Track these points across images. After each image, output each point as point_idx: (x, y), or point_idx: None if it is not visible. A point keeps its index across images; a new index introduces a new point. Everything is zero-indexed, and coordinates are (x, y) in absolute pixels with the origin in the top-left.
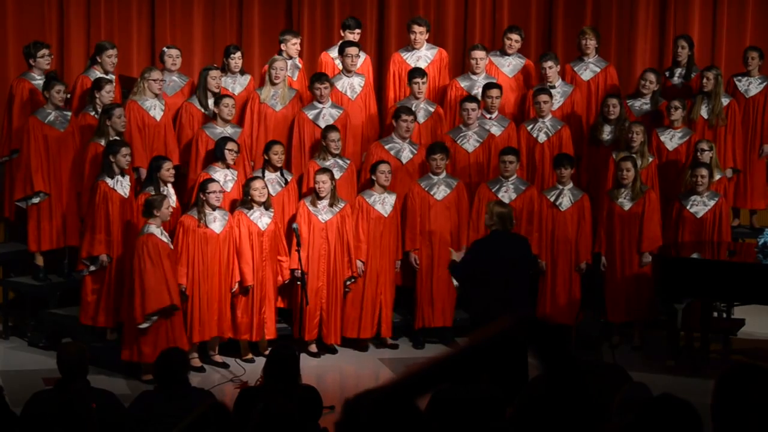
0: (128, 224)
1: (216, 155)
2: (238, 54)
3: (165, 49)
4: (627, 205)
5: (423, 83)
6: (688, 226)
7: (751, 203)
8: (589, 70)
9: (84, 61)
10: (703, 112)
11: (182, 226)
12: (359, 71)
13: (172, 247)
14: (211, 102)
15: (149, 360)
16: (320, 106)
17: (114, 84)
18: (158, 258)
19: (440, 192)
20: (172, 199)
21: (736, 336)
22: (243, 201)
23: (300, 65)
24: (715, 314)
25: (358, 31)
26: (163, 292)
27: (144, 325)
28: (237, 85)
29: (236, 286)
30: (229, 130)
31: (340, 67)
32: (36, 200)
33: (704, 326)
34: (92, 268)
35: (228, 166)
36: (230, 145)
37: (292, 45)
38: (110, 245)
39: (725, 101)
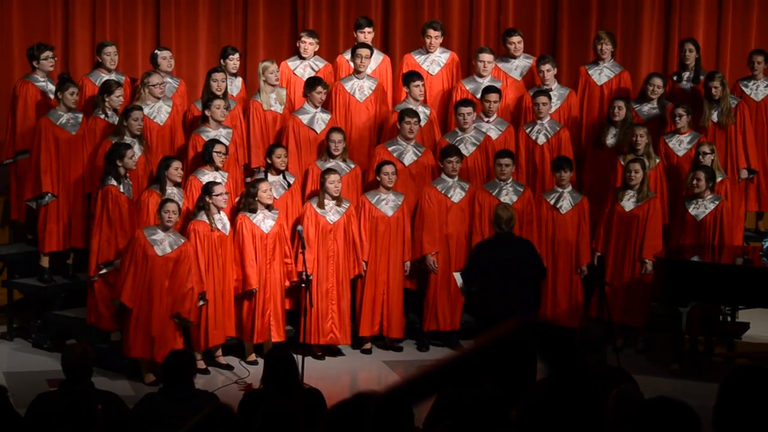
0: (134, 226)
1: (204, 158)
2: (236, 56)
3: (157, 51)
4: (629, 207)
5: (423, 86)
6: (688, 228)
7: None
8: (603, 74)
9: (89, 62)
10: (713, 117)
11: (196, 232)
12: (374, 73)
13: (158, 254)
14: None
15: (126, 354)
16: (313, 110)
17: (123, 86)
18: (131, 254)
19: (456, 195)
20: (180, 202)
21: (741, 339)
22: (245, 204)
23: (319, 68)
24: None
25: (368, 30)
26: (119, 287)
27: (92, 277)
28: (234, 87)
29: (236, 284)
30: (222, 132)
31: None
32: (45, 201)
33: (708, 329)
34: (104, 270)
35: (217, 169)
36: (218, 148)
37: (302, 44)
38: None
39: (734, 102)
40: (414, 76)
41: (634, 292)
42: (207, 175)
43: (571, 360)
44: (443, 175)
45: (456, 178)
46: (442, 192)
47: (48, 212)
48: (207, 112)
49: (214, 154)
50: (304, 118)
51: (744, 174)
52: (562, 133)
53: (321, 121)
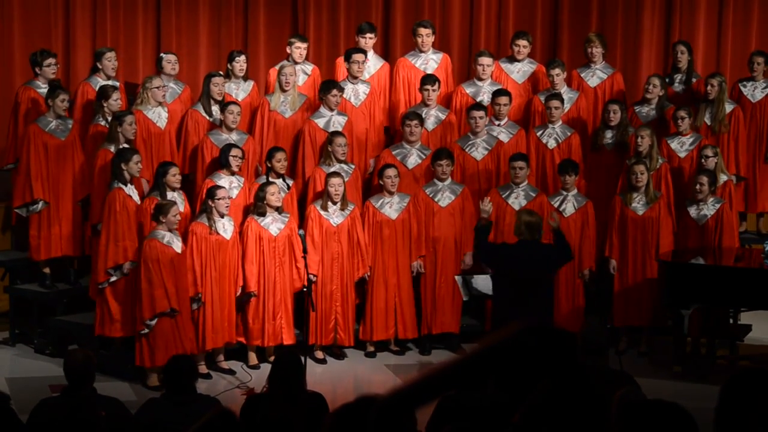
0: (140, 231)
1: (221, 162)
2: (243, 59)
3: (163, 55)
4: (640, 210)
5: (434, 90)
6: (691, 232)
7: (762, 206)
8: (596, 76)
9: (90, 68)
10: (707, 119)
11: (194, 234)
12: (371, 78)
13: (178, 251)
14: (215, 109)
15: (161, 364)
16: (329, 113)
17: (119, 91)
18: (156, 263)
19: (445, 199)
20: (181, 206)
21: (743, 342)
22: (254, 207)
23: (310, 72)
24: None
25: (369, 35)
26: (162, 298)
27: (144, 331)
28: (241, 90)
29: (239, 291)
30: (234, 137)
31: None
32: (36, 208)
33: (711, 332)
34: (114, 277)
35: (233, 173)
36: (234, 152)
37: (296, 49)
38: (135, 251)
39: (729, 108)
40: (427, 80)
41: (655, 293)
42: (223, 179)
43: (573, 363)
44: (434, 179)
45: (447, 182)
46: (430, 195)
47: (40, 219)
48: (221, 117)
49: (231, 159)
50: (320, 122)
51: (733, 180)
52: (573, 138)
53: (337, 123)
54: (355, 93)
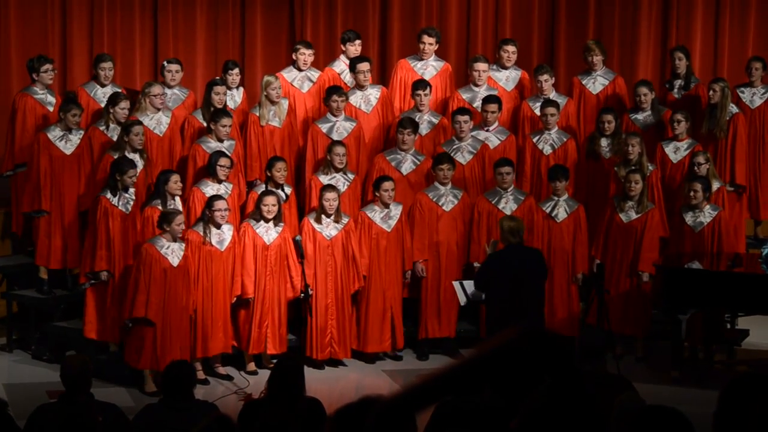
0: (131, 240)
1: (208, 171)
2: (236, 71)
3: (165, 63)
4: (627, 218)
5: (426, 95)
6: (687, 239)
7: (766, 213)
8: (597, 82)
9: (87, 74)
10: (709, 125)
11: (188, 242)
12: (374, 109)
13: (174, 264)
14: None
15: (145, 367)
16: (334, 119)
17: (127, 100)
18: (147, 269)
19: (448, 203)
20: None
21: (740, 346)
22: (252, 213)
23: (315, 79)
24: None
25: (358, 42)
26: (141, 304)
27: (126, 326)
28: (236, 97)
29: (234, 299)
30: (224, 144)
31: (346, 81)
32: (37, 216)
33: (708, 337)
34: (93, 281)
35: (220, 181)
36: (222, 161)
37: (301, 55)
38: (111, 261)
39: (731, 113)
40: (419, 85)
41: (631, 302)
42: (209, 187)
43: (570, 368)
44: (435, 183)
45: (449, 186)
46: (434, 200)
47: (40, 227)
48: (212, 125)
49: (218, 168)
50: (324, 127)
51: (728, 188)
52: (569, 144)
53: (343, 129)
54: (366, 99)
